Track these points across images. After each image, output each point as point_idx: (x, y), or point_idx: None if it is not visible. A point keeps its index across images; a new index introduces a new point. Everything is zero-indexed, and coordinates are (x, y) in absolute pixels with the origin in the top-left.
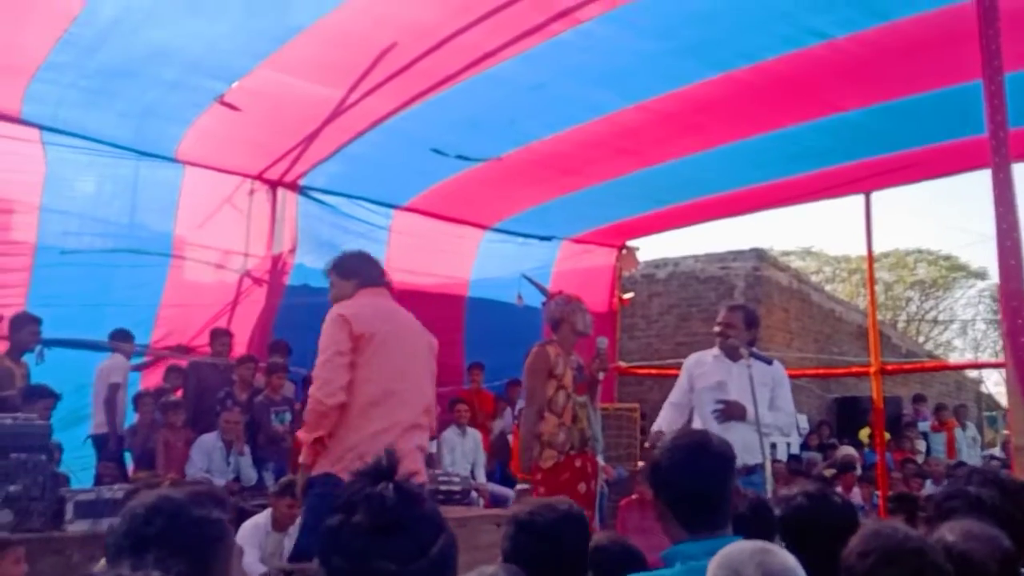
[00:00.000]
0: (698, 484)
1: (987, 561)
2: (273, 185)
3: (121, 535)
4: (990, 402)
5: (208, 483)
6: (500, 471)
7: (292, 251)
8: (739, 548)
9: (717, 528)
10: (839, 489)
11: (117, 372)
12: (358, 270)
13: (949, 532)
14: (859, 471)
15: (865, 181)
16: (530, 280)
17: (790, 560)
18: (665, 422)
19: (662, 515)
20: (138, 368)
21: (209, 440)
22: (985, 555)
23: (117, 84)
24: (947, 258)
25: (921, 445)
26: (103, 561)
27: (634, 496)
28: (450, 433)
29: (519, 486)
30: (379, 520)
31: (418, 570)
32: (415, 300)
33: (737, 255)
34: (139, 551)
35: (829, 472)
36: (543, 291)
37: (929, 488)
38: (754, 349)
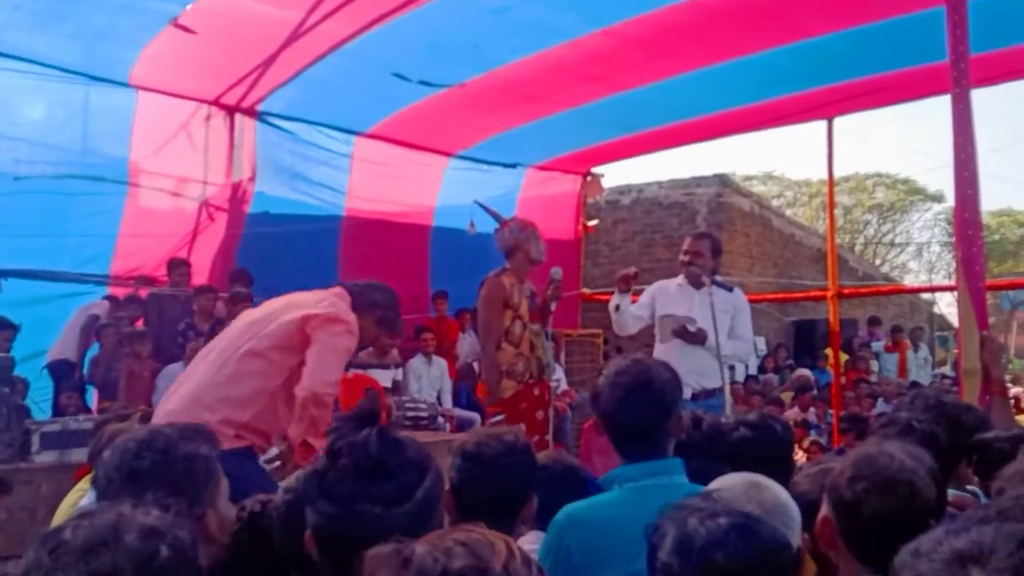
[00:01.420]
0: (636, 420)
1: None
2: (230, 111)
3: (113, 468)
4: (942, 322)
5: None
6: (466, 396)
7: (252, 179)
8: (730, 484)
9: (653, 457)
10: (796, 409)
11: (98, 307)
12: None
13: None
14: (815, 391)
15: (829, 107)
16: (483, 206)
17: (783, 494)
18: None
19: (601, 434)
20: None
21: (175, 370)
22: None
23: (65, 6)
24: (905, 182)
25: (875, 366)
26: (79, 487)
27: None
28: (416, 361)
29: (494, 419)
30: (363, 465)
31: (403, 513)
32: (379, 229)
33: (700, 181)
34: (129, 485)
35: (787, 394)
36: (496, 217)
37: (881, 407)
38: (716, 277)
